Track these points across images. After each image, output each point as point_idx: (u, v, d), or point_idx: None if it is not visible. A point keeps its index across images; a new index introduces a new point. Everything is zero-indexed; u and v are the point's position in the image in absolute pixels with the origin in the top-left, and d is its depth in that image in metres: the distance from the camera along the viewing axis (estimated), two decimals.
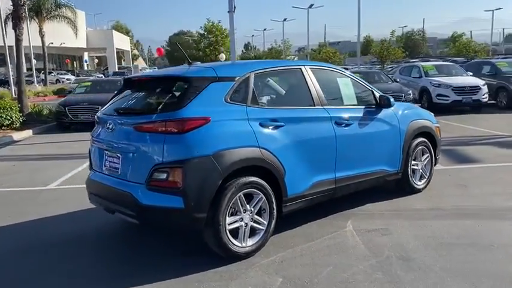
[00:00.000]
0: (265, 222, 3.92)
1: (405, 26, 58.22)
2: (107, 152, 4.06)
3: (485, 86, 14.04)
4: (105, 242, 4.44)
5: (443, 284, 3.24)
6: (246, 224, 3.81)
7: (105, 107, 4.43)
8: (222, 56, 34.50)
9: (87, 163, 4.61)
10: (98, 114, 4.40)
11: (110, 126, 3.98)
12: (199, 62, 4.59)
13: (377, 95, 5.04)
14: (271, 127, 3.97)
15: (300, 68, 4.54)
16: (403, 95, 13.16)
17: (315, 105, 4.43)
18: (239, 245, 3.76)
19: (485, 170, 6.60)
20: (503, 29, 68.29)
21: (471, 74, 15.30)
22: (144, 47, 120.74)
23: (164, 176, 3.50)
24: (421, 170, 5.57)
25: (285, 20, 51.31)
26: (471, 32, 61.86)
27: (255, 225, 3.88)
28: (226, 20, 15.23)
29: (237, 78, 3.97)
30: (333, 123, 4.47)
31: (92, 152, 4.39)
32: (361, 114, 4.81)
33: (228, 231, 3.67)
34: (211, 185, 3.55)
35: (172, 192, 3.49)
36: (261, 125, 3.92)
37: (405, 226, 4.41)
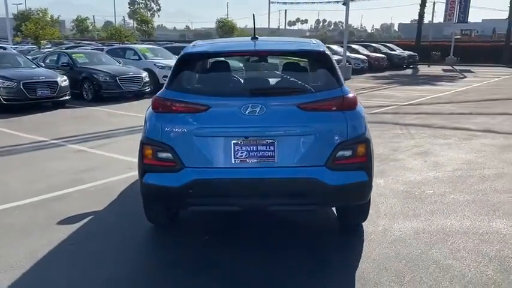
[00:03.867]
0: None
1: (20, 4, 53.31)
2: (238, 140, 3.32)
3: None
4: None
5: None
6: None
7: (181, 86, 3.49)
8: None
9: None
10: (191, 99, 3.38)
11: (257, 110, 3.29)
12: None
13: None
14: None
15: None
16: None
17: None
18: None
19: None
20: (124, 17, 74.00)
21: None
22: None
23: (349, 152, 3.42)
24: None
25: None
26: (94, 16, 63.92)
27: None
28: None
29: None
30: None
31: (189, 144, 3.36)
32: None
33: None
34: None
35: (358, 167, 3.46)
36: None
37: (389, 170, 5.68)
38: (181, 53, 3.75)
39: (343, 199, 3.56)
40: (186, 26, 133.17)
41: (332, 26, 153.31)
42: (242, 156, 3.34)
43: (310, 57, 3.84)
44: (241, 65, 4.24)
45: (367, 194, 3.63)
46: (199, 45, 4.01)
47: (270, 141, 3.34)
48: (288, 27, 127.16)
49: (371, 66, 25.35)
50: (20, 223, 4.19)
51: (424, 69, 28.28)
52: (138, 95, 13.47)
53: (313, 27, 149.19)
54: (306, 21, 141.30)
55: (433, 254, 3.50)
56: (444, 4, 33.88)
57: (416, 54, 29.85)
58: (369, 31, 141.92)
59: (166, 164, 3.41)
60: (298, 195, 3.41)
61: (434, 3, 50.64)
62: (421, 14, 33.83)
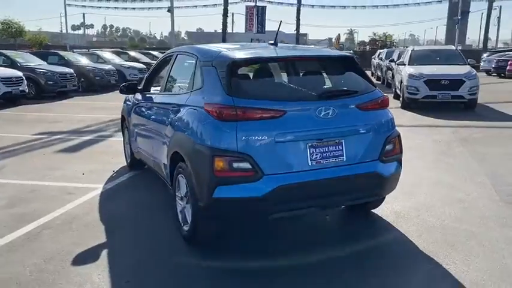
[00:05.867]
0: None
1: None
2: (313, 143, 3.41)
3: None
4: None
5: None
6: None
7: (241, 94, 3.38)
8: None
9: None
10: (273, 105, 3.31)
11: (330, 112, 3.44)
12: None
13: None
14: None
15: None
16: None
17: None
18: None
19: None
20: None
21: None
22: None
23: (392, 146, 3.84)
24: None
25: None
26: None
27: None
28: None
29: None
30: None
31: (268, 151, 3.29)
32: None
33: None
34: None
35: (396, 158, 3.91)
36: None
37: None
38: (228, 59, 3.53)
39: (390, 188, 3.97)
40: None
41: (120, 32, 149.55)
42: (317, 158, 3.44)
43: (346, 62, 4.08)
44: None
45: (398, 182, 4.13)
46: (239, 50, 3.83)
47: (339, 141, 3.52)
48: (71, 31, 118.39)
49: None
50: (18, 272, 3.25)
51: None
52: None
53: (100, 32, 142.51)
54: (91, 25, 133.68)
55: (449, 224, 4.20)
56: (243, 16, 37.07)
57: None
58: (159, 38, 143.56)
59: (244, 175, 3.25)
60: (364, 189, 3.70)
61: (233, 14, 54.87)
62: (225, 24, 36.29)
